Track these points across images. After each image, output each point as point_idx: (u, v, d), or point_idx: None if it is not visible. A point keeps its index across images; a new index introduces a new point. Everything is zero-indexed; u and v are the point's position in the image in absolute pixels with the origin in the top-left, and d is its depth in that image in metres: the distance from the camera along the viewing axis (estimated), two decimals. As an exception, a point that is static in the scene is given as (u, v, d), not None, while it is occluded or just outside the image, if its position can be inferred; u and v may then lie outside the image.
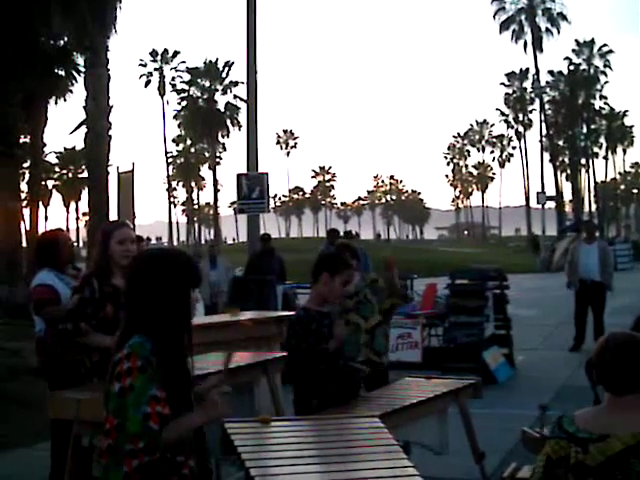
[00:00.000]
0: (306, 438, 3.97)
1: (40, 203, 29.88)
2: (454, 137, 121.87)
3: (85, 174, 24.40)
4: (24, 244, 22.08)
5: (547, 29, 70.69)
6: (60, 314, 6.48)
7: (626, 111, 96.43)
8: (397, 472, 3.45)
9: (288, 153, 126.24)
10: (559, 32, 70.92)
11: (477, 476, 6.53)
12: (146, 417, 2.98)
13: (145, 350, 3.09)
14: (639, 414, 3.25)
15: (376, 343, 7.37)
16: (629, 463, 3.12)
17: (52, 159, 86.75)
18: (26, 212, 24.67)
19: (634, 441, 3.15)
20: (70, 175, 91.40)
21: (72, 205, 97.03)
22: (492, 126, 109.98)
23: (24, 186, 26.72)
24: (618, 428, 3.20)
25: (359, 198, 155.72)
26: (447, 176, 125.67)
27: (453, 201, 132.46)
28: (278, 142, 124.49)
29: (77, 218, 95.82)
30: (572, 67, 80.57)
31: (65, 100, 26.39)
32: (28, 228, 23.93)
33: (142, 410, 2.98)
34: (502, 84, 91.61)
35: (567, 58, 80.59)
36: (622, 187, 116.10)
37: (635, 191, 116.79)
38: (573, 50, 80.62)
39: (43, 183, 69.24)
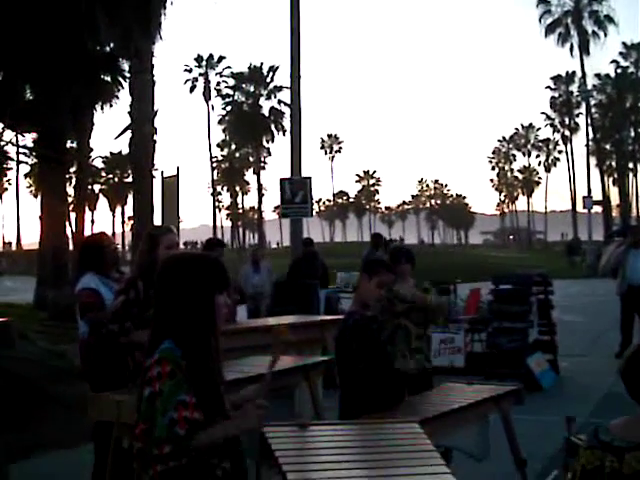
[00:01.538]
0: (344, 443, 3.95)
1: (86, 207, 30.20)
2: (499, 141, 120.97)
3: (130, 179, 24.61)
4: (70, 248, 22.35)
5: (594, 32, 69.98)
6: (104, 319, 6.55)
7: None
8: (435, 478, 3.43)
9: (332, 157, 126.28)
10: (606, 35, 70.16)
11: (519, 483, 6.47)
12: (172, 423, 2.99)
13: (175, 355, 3.10)
14: None
15: (425, 349, 7.33)
16: (665, 472, 3.08)
17: (98, 164, 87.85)
18: (72, 216, 24.94)
19: None
20: (116, 180, 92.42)
21: (118, 209, 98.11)
22: (538, 130, 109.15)
23: (71, 190, 27.04)
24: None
25: (403, 202, 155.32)
26: (492, 180, 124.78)
27: (498, 205, 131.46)
28: (322, 147, 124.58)
29: (123, 222, 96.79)
30: (619, 70, 79.63)
31: (111, 106, 26.61)
32: (74, 232, 24.21)
33: (169, 415, 3.00)
34: (548, 87, 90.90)
35: (614, 61, 79.71)
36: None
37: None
38: (620, 53, 79.68)
39: (89, 187, 70.18)
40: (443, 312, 7.89)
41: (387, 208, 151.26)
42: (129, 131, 19.41)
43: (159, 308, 3.26)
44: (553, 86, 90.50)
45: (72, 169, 26.73)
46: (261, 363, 6.39)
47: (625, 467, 3.13)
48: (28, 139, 26.02)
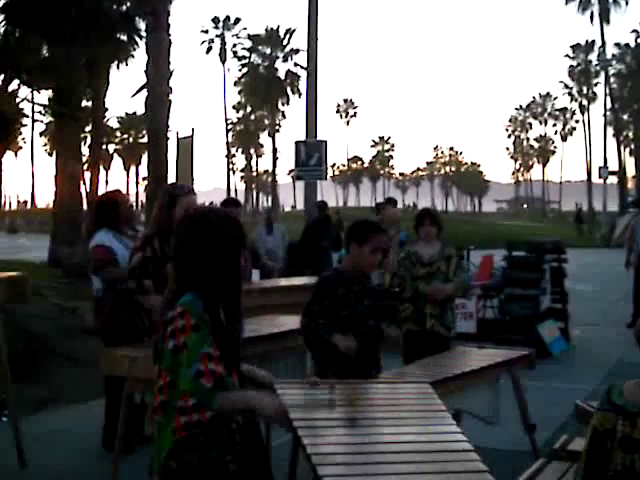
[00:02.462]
0: (355, 401, 3.96)
1: (101, 167, 30.22)
2: (516, 109, 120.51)
3: (145, 139, 24.59)
4: (85, 207, 22.42)
5: (615, 0, 69.12)
6: (120, 275, 6.57)
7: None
8: (445, 437, 3.43)
9: (348, 122, 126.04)
10: (627, 3, 69.24)
11: (527, 447, 6.49)
12: (198, 374, 2.98)
13: (198, 308, 3.09)
14: None
15: (444, 316, 7.28)
16: (679, 437, 3.08)
17: (114, 124, 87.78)
18: (87, 175, 24.97)
19: None
20: (131, 140, 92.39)
21: (132, 169, 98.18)
22: (555, 99, 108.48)
23: (85, 150, 27.06)
24: (668, 402, 3.14)
25: (418, 169, 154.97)
26: (508, 149, 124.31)
27: (513, 174, 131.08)
28: (338, 111, 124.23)
29: (137, 182, 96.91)
30: (639, 40, 78.82)
31: (127, 64, 26.59)
32: (89, 191, 24.25)
33: (195, 368, 2.99)
34: (567, 56, 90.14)
35: (634, 30, 78.75)
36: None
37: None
38: (641, 22, 78.83)
39: (104, 147, 70.17)
40: (461, 290, 7.74)
41: (401, 174, 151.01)
42: (145, 91, 19.32)
43: (181, 261, 3.24)
44: (572, 55, 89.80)
45: (87, 128, 26.72)
46: (273, 322, 6.45)
47: (637, 433, 3.12)
48: (44, 96, 26.02)
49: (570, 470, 4.42)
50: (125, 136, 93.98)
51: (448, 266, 7.30)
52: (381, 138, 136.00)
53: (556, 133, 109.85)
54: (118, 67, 26.22)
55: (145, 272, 6.03)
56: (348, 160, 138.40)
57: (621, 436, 3.13)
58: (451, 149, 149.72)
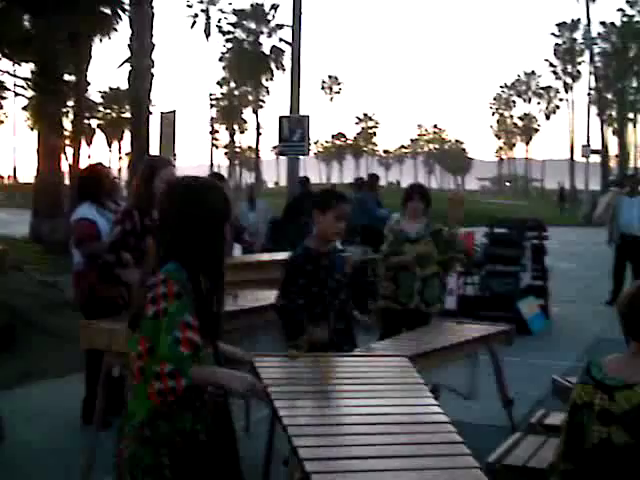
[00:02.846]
0: (333, 374, 3.99)
1: (83, 142, 30.04)
2: (501, 87, 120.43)
3: (128, 114, 24.45)
4: (67, 182, 22.30)
5: (600, -22, 68.93)
6: (101, 249, 6.54)
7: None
8: (421, 410, 3.47)
9: (332, 99, 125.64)
10: (613, -19, 69.14)
11: (505, 422, 6.55)
12: (177, 341, 2.98)
13: (181, 276, 3.09)
14: None
15: (427, 292, 7.23)
16: (656, 411, 3.12)
17: (97, 98, 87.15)
18: (69, 150, 24.79)
19: None
20: (114, 115, 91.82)
21: (115, 145, 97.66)
22: (540, 77, 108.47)
23: (68, 124, 26.84)
24: (645, 377, 3.19)
25: (402, 146, 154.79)
26: (492, 127, 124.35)
27: (496, 152, 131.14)
28: (322, 87, 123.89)
29: (120, 158, 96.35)
30: (625, 19, 78.80)
31: (110, 38, 26.36)
32: (71, 166, 24.11)
33: (174, 334, 2.99)
34: (552, 34, 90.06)
35: (620, 9, 78.85)
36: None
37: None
38: (627, 1, 78.69)
39: (87, 122, 69.63)
40: (455, 263, 7.69)
41: (385, 151, 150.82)
42: (128, 65, 19.21)
43: (164, 231, 3.23)
44: (557, 33, 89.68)
45: (69, 102, 26.52)
46: (254, 297, 6.46)
47: (615, 406, 3.16)
48: (26, 69, 25.78)
49: (546, 443, 4.47)
50: (108, 111, 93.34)
51: (437, 241, 7.24)
52: (365, 115, 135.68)
53: (540, 111, 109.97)
54: (101, 40, 25.97)
55: (124, 245, 6.01)
56: (332, 136, 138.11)
57: (599, 409, 3.18)
58: (435, 127, 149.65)
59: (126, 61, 18.98)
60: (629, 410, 3.15)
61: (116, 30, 25.93)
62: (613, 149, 79.18)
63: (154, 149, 17.51)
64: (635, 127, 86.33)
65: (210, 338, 3.21)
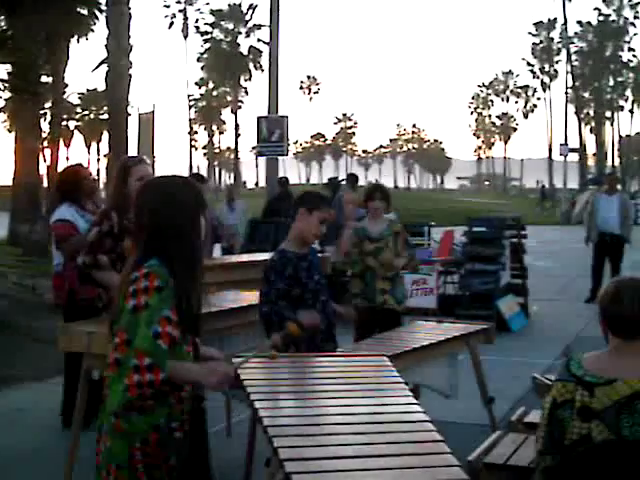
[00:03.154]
0: (313, 374, 3.99)
1: (61, 143, 29.86)
2: (479, 87, 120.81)
3: (106, 116, 24.39)
4: (45, 184, 22.18)
5: (577, -22, 69.36)
6: (81, 245, 6.48)
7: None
8: (402, 409, 3.47)
9: (311, 99, 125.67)
10: (589, -19, 69.56)
11: (486, 421, 6.56)
12: (156, 335, 2.99)
13: (163, 272, 3.10)
14: None
15: (396, 291, 7.31)
16: (636, 407, 3.14)
17: (74, 100, 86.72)
18: (47, 152, 24.67)
19: None
20: (92, 116, 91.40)
21: (93, 146, 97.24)
22: (517, 76, 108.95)
23: (45, 126, 26.71)
24: (626, 372, 3.21)
25: (381, 146, 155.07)
26: (470, 126, 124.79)
27: (475, 151, 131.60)
28: (301, 87, 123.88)
29: (98, 159, 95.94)
30: (601, 18, 79.32)
31: (87, 39, 26.28)
32: (49, 168, 24.00)
33: (154, 328, 2.99)
34: (530, 34, 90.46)
35: (596, 8, 79.32)
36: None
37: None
38: (603, 0, 79.25)
39: (65, 123, 69.32)
40: (412, 264, 7.74)
41: (364, 151, 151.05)
42: (106, 65, 19.12)
43: (140, 229, 3.24)
44: (535, 32, 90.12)
45: (47, 104, 26.39)
46: (234, 297, 6.45)
47: (595, 402, 3.18)
48: (1, 70, 25.64)
49: (527, 441, 4.48)
50: (86, 112, 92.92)
51: (396, 242, 7.34)
52: (344, 115, 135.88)
53: (518, 110, 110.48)
54: (78, 41, 25.89)
55: (101, 247, 5.98)
56: (311, 137, 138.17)
57: (580, 406, 3.19)
58: (414, 126, 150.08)
59: (103, 62, 18.88)
60: (610, 406, 3.16)
61: (93, 31, 25.88)
62: (591, 147, 79.76)
63: (132, 150, 17.45)
64: (612, 125, 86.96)
65: (189, 335, 3.22)
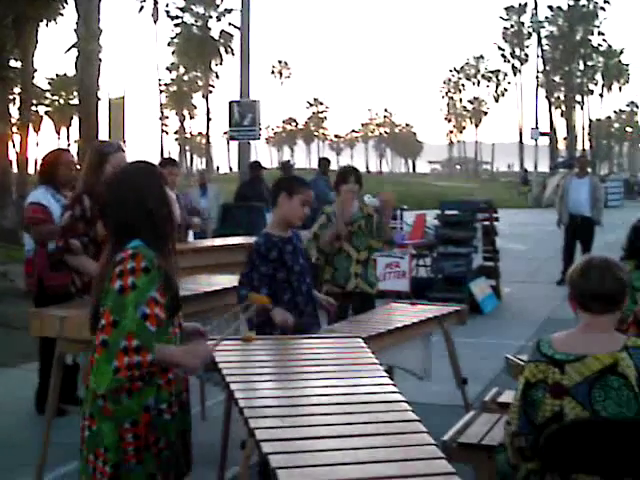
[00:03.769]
0: (288, 356, 4.00)
1: (31, 129, 29.58)
2: (450, 71, 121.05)
3: (76, 101, 24.17)
4: (14, 170, 21.99)
5: (547, -38, 69.53)
6: (52, 233, 6.45)
7: (622, 50, 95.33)
8: (377, 389, 3.48)
9: (282, 83, 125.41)
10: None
11: (459, 402, 6.60)
12: (144, 317, 2.99)
13: (149, 253, 3.10)
14: (614, 334, 3.33)
15: (368, 274, 7.30)
16: (607, 381, 3.18)
17: (44, 85, 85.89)
18: (17, 138, 24.45)
19: (612, 359, 3.21)
20: (61, 101, 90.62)
21: (63, 132, 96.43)
22: (488, 61, 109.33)
23: (15, 111, 26.45)
24: (595, 348, 3.26)
25: (352, 131, 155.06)
26: (441, 110, 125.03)
27: (447, 135, 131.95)
28: (273, 72, 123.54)
29: (68, 145, 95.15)
30: (572, 2, 79.63)
31: (56, 23, 26.03)
32: (18, 154, 23.77)
33: (141, 310, 2.99)
34: (501, 18, 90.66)
35: (566, -7, 79.59)
36: (616, 125, 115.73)
37: (629, 130, 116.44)
38: (573, -15, 79.54)
39: (34, 109, 68.68)
40: (385, 237, 7.68)
41: (336, 136, 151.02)
42: (76, 50, 18.94)
43: (120, 213, 3.23)
44: (506, 17, 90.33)
45: (16, 89, 26.13)
46: (208, 281, 6.45)
47: (566, 379, 3.22)
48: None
49: (500, 421, 4.51)
50: (56, 98, 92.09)
51: (368, 225, 7.31)
52: (316, 100, 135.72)
53: (489, 94, 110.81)
54: (47, 25, 25.63)
55: (73, 231, 5.94)
56: (283, 122, 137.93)
57: (552, 383, 3.23)
58: (385, 111, 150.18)
59: (73, 46, 18.71)
60: (580, 382, 3.21)
61: (62, 15, 25.62)
62: (561, 131, 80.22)
63: (103, 135, 17.33)
64: (582, 109, 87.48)
65: (175, 317, 3.23)
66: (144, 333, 2.98)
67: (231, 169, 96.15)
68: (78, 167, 7.31)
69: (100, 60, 18.20)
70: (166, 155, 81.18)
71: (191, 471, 3.40)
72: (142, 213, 3.19)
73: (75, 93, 38.31)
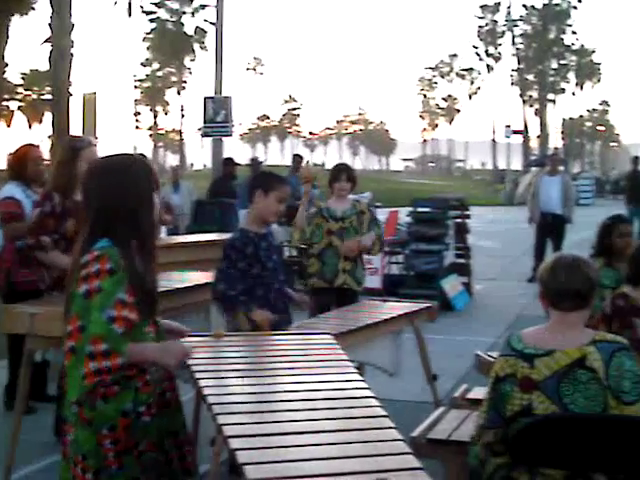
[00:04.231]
0: (258, 352, 4.01)
1: (3, 124, 29.34)
2: (425, 69, 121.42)
3: (48, 96, 24.01)
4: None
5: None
6: (22, 230, 6.41)
7: (594, 49, 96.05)
8: (346, 385, 3.50)
9: (256, 80, 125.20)
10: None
11: (429, 398, 6.63)
12: (110, 320, 2.93)
13: (115, 253, 3.04)
14: (583, 330, 3.36)
15: (356, 271, 7.29)
16: (575, 375, 3.22)
17: (16, 80, 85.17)
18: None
19: (580, 353, 3.25)
20: (34, 97, 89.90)
21: (35, 127, 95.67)
22: (462, 59, 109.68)
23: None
24: (564, 343, 3.29)
25: (326, 128, 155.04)
26: (415, 108, 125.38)
27: (421, 133, 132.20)
28: (247, 69, 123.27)
29: (41, 140, 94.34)
30: (545, 1, 79.98)
31: (27, 15, 25.86)
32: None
33: (107, 313, 2.94)
34: (475, 16, 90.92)
35: (540, -8, 79.89)
36: (588, 124, 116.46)
37: (601, 128, 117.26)
38: (546, -17, 79.87)
39: (6, 104, 68.12)
40: (378, 245, 7.66)
41: (310, 133, 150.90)
42: (49, 44, 18.82)
43: (89, 210, 3.18)
44: (480, 15, 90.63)
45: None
46: (180, 278, 6.43)
47: (535, 373, 3.26)
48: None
49: (469, 417, 4.54)
50: (28, 93, 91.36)
51: (360, 221, 7.31)
52: (290, 97, 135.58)
53: (462, 93, 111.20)
54: (21, 17, 25.45)
55: (43, 228, 5.91)
56: (257, 118, 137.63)
57: (521, 377, 3.27)
58: (359, 108, 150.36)
59: (47, 41, 18.60)
60: (549, 376, 3.25)
61: (34, 9, 25.44)
62: (534, 129, 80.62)
63: (76, 131, 17.23)
64: (555, 108, 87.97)
65: (148, 316, 3.17)
66: (111, 336, 2.93)
67: (205, 166, 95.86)
68: (48, 163, 7.26)
69: (72, 55, 18.10)
70: (136, 151, 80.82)
71: (192, 477, 3.36)
72: (128, 203, 3.13)
73: (48, 88, 38.06)
